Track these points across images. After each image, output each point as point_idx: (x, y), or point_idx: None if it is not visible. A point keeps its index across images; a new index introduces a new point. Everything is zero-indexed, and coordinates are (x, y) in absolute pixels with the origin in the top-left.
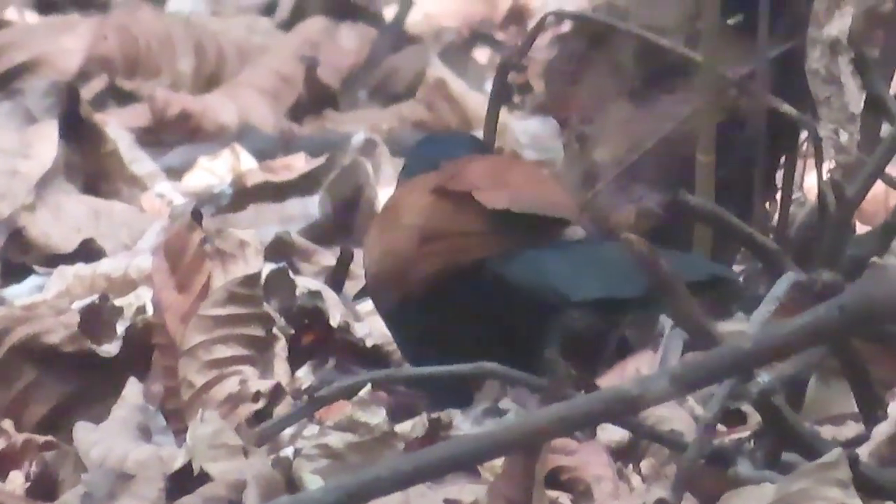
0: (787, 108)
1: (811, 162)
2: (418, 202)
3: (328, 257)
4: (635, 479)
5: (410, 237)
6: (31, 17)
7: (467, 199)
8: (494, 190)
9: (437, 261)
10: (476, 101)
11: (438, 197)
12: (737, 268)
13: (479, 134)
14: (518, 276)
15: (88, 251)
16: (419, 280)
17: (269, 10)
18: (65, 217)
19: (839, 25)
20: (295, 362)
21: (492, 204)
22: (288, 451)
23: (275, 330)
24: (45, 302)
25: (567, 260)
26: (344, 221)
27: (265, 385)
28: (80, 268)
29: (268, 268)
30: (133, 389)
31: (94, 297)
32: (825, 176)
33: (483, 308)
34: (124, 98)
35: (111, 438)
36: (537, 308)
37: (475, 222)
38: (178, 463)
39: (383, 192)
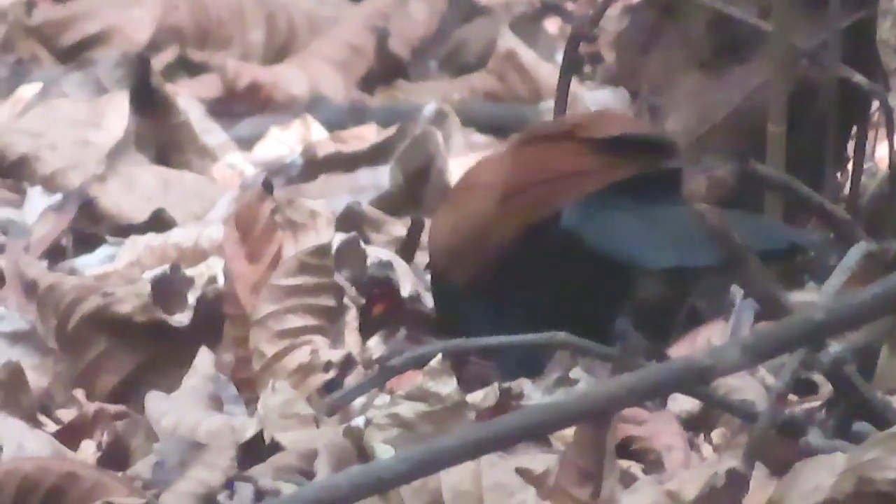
0: (858, 78)
1: (882, 132)
2: (495, 164)
3: (399, 227)
4: (706, 449)
5: (490, 196)
6: None
7: (564, 138)
8: (597, 126)
9: (522, 215)
10: (547, 71)
11: (523, 149)
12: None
13: (550, 104)
14: (593, 237)
15: (159, 221)
16: (499, 243)
17: None
18: (136, 187)
19: None
20: (365, 332)
21: (601, 134)
22: (359, 421)
23: (345, 300)
24: (117, 272)
25: (643, 223)
26: (414, 192)
27: (336, 355)
28: (151, 238)
29: (338, 238)
30: (204, 359)
31: (166, 267)
32: None
33: (557, 273)
34: (195, 69)
35: (182, 408)
36: (612, 271)
37: (576, 159)
38: (250, 432)
39: (454, 163)
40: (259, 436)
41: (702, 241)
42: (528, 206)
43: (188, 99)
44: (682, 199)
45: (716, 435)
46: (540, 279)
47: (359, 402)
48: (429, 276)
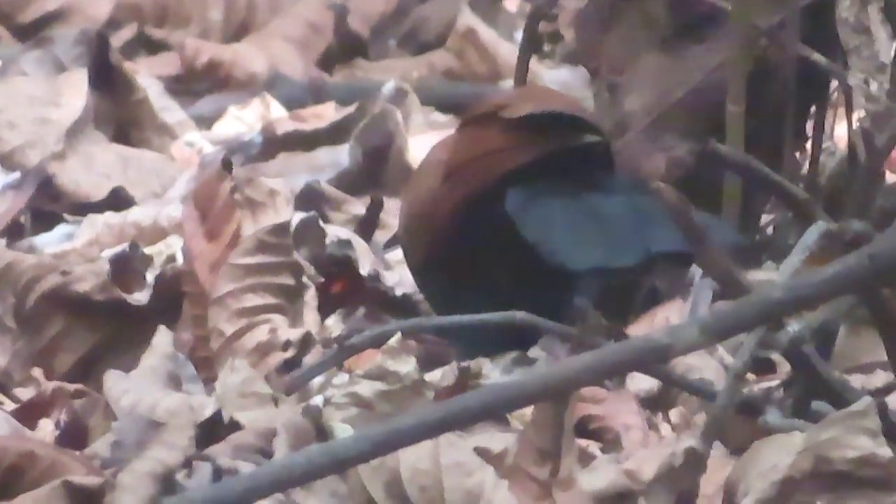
0: (817, 57)
1: (841, 111)
2: (445, 142)
3: (358, 206)
4: (665, 428)
5: (437, 174)
6: None
7: (489, 118)
8: (520, 104)
9: (461, 190)
10: (506, 50)
11: (463, 129)
12: (766, 217)
13: (510, 83)
14: (527, 228)
15: (118, 199)
16: (445, 218)
17: None
18: (94, 165)
19: None
20: (324, 311)
21: (516, 114)
22: (317, 400)
23: (304, 279)
24: (75, 250)
25: (577, 218)
26: (374, 170)
27: (295, 334)
28: (110, 216)
29: (297, 217)
30: (163, 338)
31: (124, 246)
32: (855, 125)
33: (505, 250)
34: (154, 46)
35: (141, 387)
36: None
37: (499, 139)
38: (208, 411)
39: (413, 142)
40: (217, 415)
41: (632, 238)
42: (462, 184)
43: (147, 77)
44: (624, 178)
45: (674, 414)
46: (490, 250)
47: (317, 381)
48: (388, 255)
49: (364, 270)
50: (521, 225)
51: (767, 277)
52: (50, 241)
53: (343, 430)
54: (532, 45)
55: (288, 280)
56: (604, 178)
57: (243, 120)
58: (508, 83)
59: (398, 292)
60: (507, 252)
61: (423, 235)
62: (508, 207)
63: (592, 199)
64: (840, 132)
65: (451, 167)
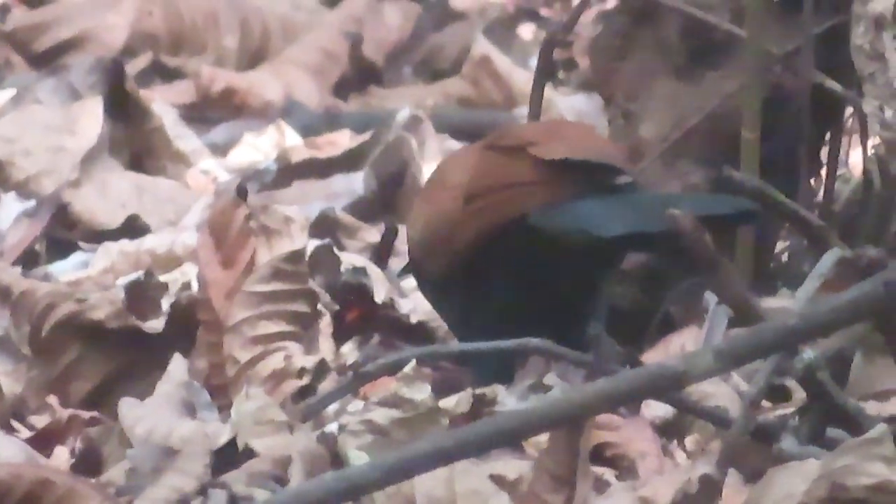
0: (831, 84)
1: (856, 138)
2: (464, 162)
3: (373, 234)
4: (680, 455)
5: (456, 196)
6: None
7: (518, 152)
8: (549, 143)
9: (484, 217)
10: (521, 77)
11: (486, 154)
12: (781, 244)
13: (524, 110)
14: (552, 224)
15: (133, 227)
16: (465, 241)
17: None
18: (110, 193)
19: (884, 1)
20: (339, 338)
21: (549, 156)
22: (332, 427)
23: (319, 306)
24: (90, 278)
25: (601, 205)
26: (388, 198)
27: (310, 361)
28: (125, 244)
29: (312, 244)
30: (178, 365)
31: (139, 274)
32: (870, 152)
33: (527, 271)
34: (169, 74)
35: (156, 414)
36: (577, 269)
37: (527, 174)
38: (223, 439)
39: (428, 169)
40: (233, 442)
41: (658, 210)
42: (487, 210)
43: (162, 104)
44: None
45: (689, 441)
46: (508, 276)
47: (332, 408)
48: (403, 282)
49: (379, 298)
50: (548, 226)
51: (782, 304)
52: (65, 269)
53: (358, 458)
54: (547, 73)
55: (303, 307)
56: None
57: (258, 148)
58: (523, 110)
59: (413, 319)
60: (524, 276)
61: (440, 255)
62: (533, 220)
63: (614, 196)
64: (855, 159)
65: (472, 191)
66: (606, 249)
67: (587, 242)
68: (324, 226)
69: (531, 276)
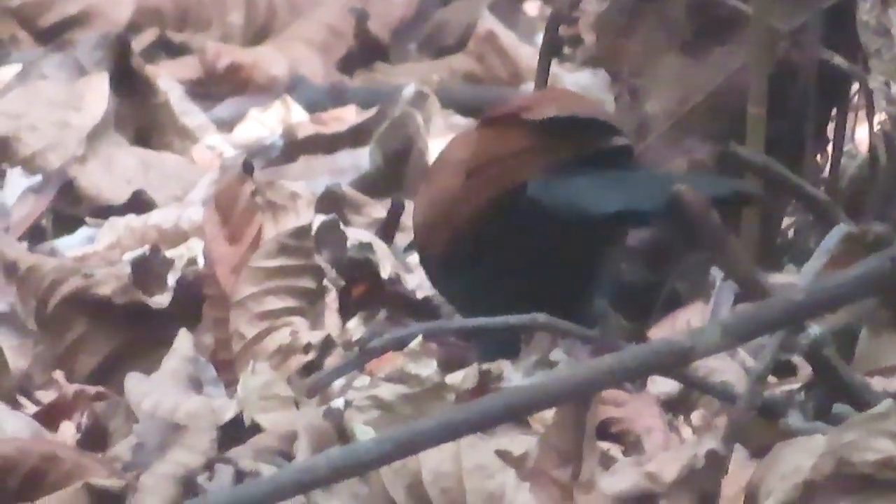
0: (838, 60)
1: (862, 114)
2: (466, 140)
3: (379, 209)
4: (686, 431)
5: (457, 173)
6: None
7: (511, 119)
8: (541, 107)
9: (484, 191)
10: (526, 53)
11: (484, 129)
12: (788, 220)
13: (530, 86)
14: (549, 199)
15: (139, 203)
16: (467, 216)
17: None
18: (116, 169)
19: None
20: (345, 314)
21: (538, 117)
22: (339, 403)
23: (325, 282)
24: (97, 253)
25: (597, 179)
26: (394, 173)
27: (316, 337)
28: (131, 219)
29: (318, 220)
30: (184, 341)
31: (145, 249)
32: (876, 128)
33: (529, 243)
34: (175, 50)
35: (162, 389)
36: (579, 240)
37: (522, 141)
38: (229, 414)
39: (434, 144)
40: (239, 417)
41: (649, 188)
42: (486, 183)
43: (168, 80)
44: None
45: (695, 417)
46: (511, 251)
47: (338, 383)
48: (409, 258)
49: (385, 273)
50: (544, 198)
51: (789, 280)
52: (71, 245)
53: (364, 433)
54: (552, 49)
55: (309, 283)
56: (621, 164)
57: (264, 123)
58: (529, 86)
59: (419, 295)
60: (527, 251)
61: (443, 233)
62: (531, 192)
63: (612, 171)
64: (861, 135)
65: (472, 166)
66: (604, 225)
67: (584, 220)
68: (330, 201)
69: (534, 249)
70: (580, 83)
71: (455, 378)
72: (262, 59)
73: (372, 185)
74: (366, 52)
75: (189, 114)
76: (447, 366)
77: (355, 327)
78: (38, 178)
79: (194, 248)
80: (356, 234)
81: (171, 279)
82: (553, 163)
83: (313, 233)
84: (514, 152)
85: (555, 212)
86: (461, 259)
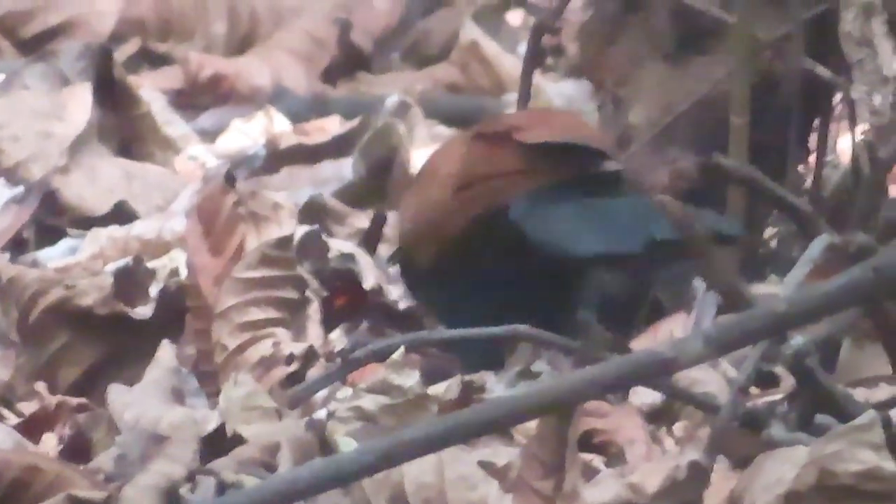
0: (820, 70)
1: (845, 124)
2: (454, 152)
3: (362, 220)
4: (668, 442)
5: (446, 186)
6: None
7: (503, 138)
8: (534, 129)
9: (473, 207)
10: (509, 63)
11: (475, 144)
12: (770, 230)
13: (513, 97)
14: (530, 228)
15: (122, 213)
16: (455, 231)
17: None
18: (98, 179)
19: None
20: (328, 325)
21: (532, 140)
22: (321, 414)
23: (308, 292)
24: (79, 264)
25: (580, 213)
26: (377, 184)
27: (298, 348)
28: (114, 230)
29: (301, 230)
30: (166, 352)
31: (128, 260)
32: (859, 138)
33: (514, 262)
34: (157, 60)
35: (144, 401)
36: (561, 262)
37: (513, 161)
38: (212, 425)
39: (417, 155)
40: (221, 429)
41: (633, 228)
42: (475, 199)
43: (150, 91)
44: (630, 190)
45: (678, 428)
46: (496, 266)
47: (321, 394)
48: (391, 269)
49: (367, 284)
50: (525, 226)
51: (771, 290)
52: (53, 256)
53: (347, 444)
54: (536, 59)
55: (291, 294)
56: (608, 188)
57: (247, 133)
58: (512, 96)
59: (402, 306)
60: (511, 267)
61: (429, 245)
62: (513, 215)
63: (594, 200)
64: (844, 145)
65: (461, 182)
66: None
67: (561, 256)
68: (312, 212)
69: (518, 266)
70: (563, 93)
71: (437, 389)
72: (245, 70)
73: (355, 195)
74: (349, 62)
75: (172, 124)
76: (430, 377)
77: (338, 338)
78: (21, 188)
79: (177, 258)
80: (339, 244)
81: (154, 290)
82: (541, 186)
83: (296, 243)
84: (504, 172)
85: (533, 241)
86: (446, 271)
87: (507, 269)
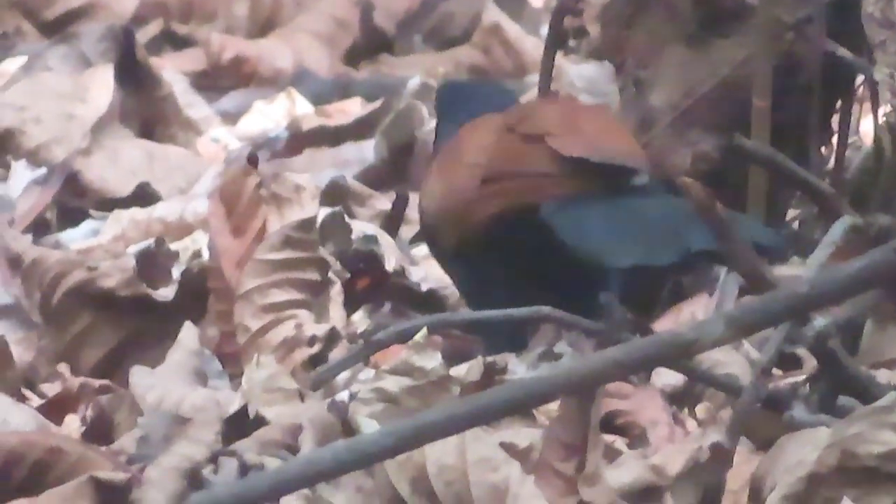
0: (842, 51)
1: (867, 106)
2: (483, 141)
3: (383, 202)
4: (690, 424)
5: (473, 175)
6: None
7: (538, 141)
8: (568, 136)
9: (499, 201)
10: (531, 45)
11: (506, 137)
12: (792, 212)
13: (535, 78)
14: (563, 231)
15: (144, 195)
16: (479, 220)
17: None
18: (120, 161)
19: None
20: (350, 306)
21: (567, 151)
22: (343, 395)
23: (330, 274)
24: (101, 246)
25: (615, 219)
26: (399, 166)
27: (321, 329)
28: (136, 212)
29: (323, 212)
30: (189, 333)
31: (150, 241)
32: (881, 120)
33: (539, 254)
34: (179, 42)
35: (167, 382)
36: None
37: (545, 165)
38: (234, 407)
39: None
40: (243, 410)
41: (675, 234)
42: (504, 194)
43: (172, 72)
44: (662, 193)
45: (700, 409)
46: (522, 256)
47: (343, 376)
48: (413, 250)
49: (390, 266)
50: (558, 228)
51: (793, 272)
52: (76, 237)
53: (369, 426)
54: (557, 41)
55: (314, 276)
56: (640, 192)
57: (269, 116)
58: (534, 78)
59: (424, 288)
60: (536, 257)
61: (453, 229)
62: (544, 215)
63: (627, 202)
64: (866, 127)
65: (489, 174)
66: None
67: (593, 263)
68: (334, 194)
69: (542, 259)
70: (585, 75)
71: (460, 370)
72: (267, 52)
73: (376, 177)
74: (371, 44)
75: (194, 106)
76: (452, 358)
77: (360, 320)
78: (43, 170)
79: (199, 240)
80: (361, 226)
81: (176, 272)
82: (572, 192)
83: (318, 225)
84: (535, 173)
85: (566, 245)
86: (471, 255)
87: (530, 259)
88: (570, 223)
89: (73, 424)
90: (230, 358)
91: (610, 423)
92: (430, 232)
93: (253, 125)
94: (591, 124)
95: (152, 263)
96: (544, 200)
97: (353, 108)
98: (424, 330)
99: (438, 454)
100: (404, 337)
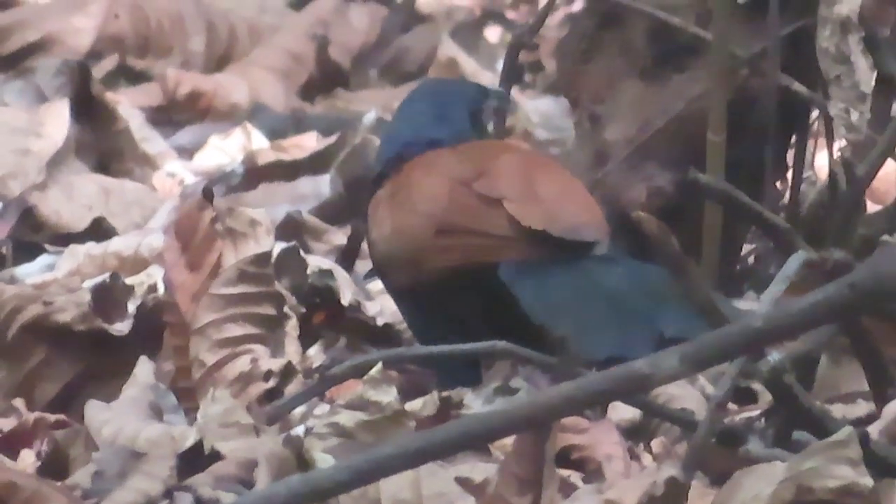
0: (797, 86)
1: (822, 141)
2: (436, 191)
3: (339, 236)
4: (646, 458)
5: (426, 224)
6: None
7: (495, 204)
8: (526, 203)
9: (452, 255)
10: (487, 80)
11: (460, 191)
12: (747, 246)
13: None
14: (526, 300)
15: (99, 230)
16: (432, 269)
17: None
18: (76, 196)
19: (849, 4)
20: (306, 341)
21: (526, 221)
22: (299, 430)
23: (286, 309)
24: (57, 280)
25: (582, 295)
26: (354, 200)
27: (276, 364)
28: (92, 246)
29: (279, 247)
30: (144, 368)
31: (106, 276)
32: (836, 155)
33: (492, 304)
34: (135, 77)
35: (122, 417)
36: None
37: (503, 229)
38: (189, 441)
39: None
40: (199, 445)
41: (642, 323)
42: (457, 249)
43: (128, 107)
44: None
45: (655, 444)
46: (475, 304)
47: (299, 410)
48: (369, 285)
49: (345, 300)
50: (521, 297)
51: (748, 307)
52: (31, 272)
53: (324, 460)
54: (513, 75)
55: (269, 310)
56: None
57: (225, 150)
58: None
59: (379, 322)
60: (489, 308)
61: (406, 270)
62: (504, 277)
63: (592, 272)
64: (821, 161)
65: (443, 226)
66: None
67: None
68: (290, 228)
69: (496, 309)
70: (540, 110)
71: (415, 405)
72: (223, 86)
73: (332, 212)
74: (326, 78)
75: (149, 140)
76: (407, 393)
77: (315, 354)
78: None
79: (154, 275)
80: (316, 261)
81: (132, 306)
82: (529, 256)
83: (273, 260)
84: (491, 234)
85: (531, 318)
86: (421, 295)
87: (483, 309)
88: (534, 292)
89: (28, 459)
90: (186, 392)
91: (566, 458)
92: (381, 266)
93: (209, 160)
94: (548, 186)
95: (108, 298)
96: (503, 260)
97: (308, 143)
98: (380, 364)
99: (394, 489)
100: (360, 371)
